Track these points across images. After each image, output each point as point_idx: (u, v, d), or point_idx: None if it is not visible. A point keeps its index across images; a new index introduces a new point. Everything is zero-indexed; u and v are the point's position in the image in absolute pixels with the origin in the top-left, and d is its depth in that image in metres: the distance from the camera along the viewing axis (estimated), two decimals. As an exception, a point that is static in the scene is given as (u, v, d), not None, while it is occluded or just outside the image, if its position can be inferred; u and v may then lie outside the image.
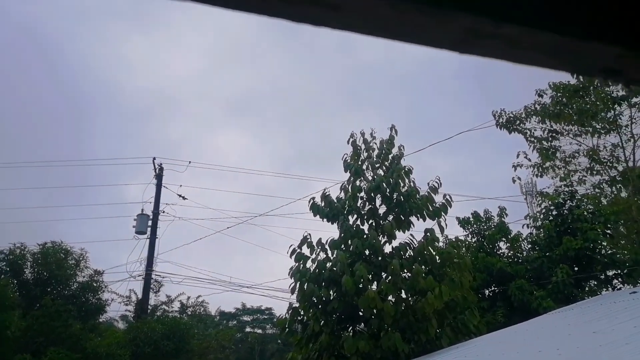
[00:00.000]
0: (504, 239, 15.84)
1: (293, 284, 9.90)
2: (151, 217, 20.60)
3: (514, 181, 17.17)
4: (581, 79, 15.41)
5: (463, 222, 16.39)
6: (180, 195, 21.52)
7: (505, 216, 16.35)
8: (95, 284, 17.10)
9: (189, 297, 23.56)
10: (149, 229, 20.39)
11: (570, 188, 15.51)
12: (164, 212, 20.98)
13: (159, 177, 21.42)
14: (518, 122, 16.71)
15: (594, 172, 16.80)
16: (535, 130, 16.76)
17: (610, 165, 16.66)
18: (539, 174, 17.03)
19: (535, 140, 16.71)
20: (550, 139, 16.72)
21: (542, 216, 15.60)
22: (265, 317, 38.68)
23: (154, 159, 21.58)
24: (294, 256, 10.16)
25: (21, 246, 16.68)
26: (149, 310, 19.56)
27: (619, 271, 13.62)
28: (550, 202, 15.24)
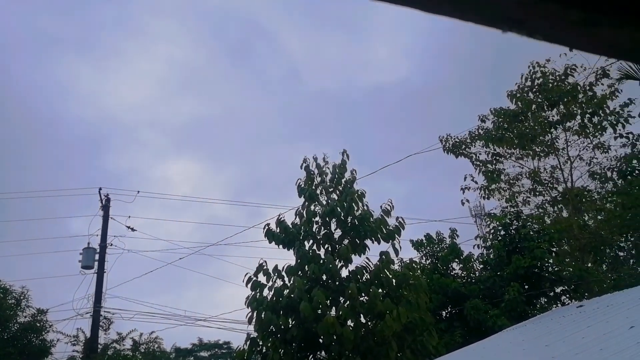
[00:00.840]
0: (456, 260, 16.24)
1: (250, 314, 9.71)
2: (98, 250, 19.74)
3: (462, 203, 17.79)
4: (519, 105, 16.37)
5: (417, 245, 16.70)
6: (129, 227, 20.79)
7: (456, 237, 16.81)
8: (38, 324, 16.06)
9: (141, 334, 22.47)
10: (96, 263, 19.50)
11: (515, 209, 16.21)
12: (111, 244, 20.16)
13: (105, 208, 20.64)
14: (463, 146, 17.42)
15: (537, 193, 17.67)
16: (480, 154, 17.52)
17: (551, 186, 17.58)
18: (486, 196, 17.74)
19: (481, 164, 17.44)
20: (494, 162, 17.51)
21: (491, 236, 16.16)
22: (224, 351, 37.40)
23: (100, 189, 20.84)
24: (250, 284, 10.00)
25: (-46, 287, 15.54)
26: (99, 350, 18.49)
27: (566, 287, 14.23)
28: (497, 223, 15.83)
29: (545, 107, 16.24)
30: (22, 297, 16.33)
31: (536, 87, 16.33)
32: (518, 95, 16.50)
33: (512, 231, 15.21)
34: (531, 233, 14.81)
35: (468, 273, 16.12)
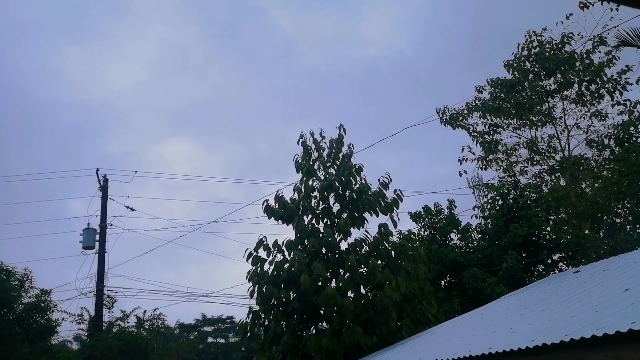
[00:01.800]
0: (454, 231, 16.37)
1: (252, 288, 9.84)
2: (98, 230, 19.84)
3: (460, 175, 17.82)
4: (516, 75, 16.26)
5: (415, 216, 16.81)
6: (128, 207, 20.85)
7: (454, 208, 16.91)
8: (42, 304, 16.24)
9: (145, 311, 22.78)
10: (96, 243, 19.63)
11: (513, 178, 16.25)
12: (111, 225, 20.26)
13: (103, 188, 20.65)
14: (461, 117, 17.35)
15: (534, 163, 17.71)
16: (477, 125, 17.47)
17: (549, 155, 17.60)
18: (484, 166, 17.78)
19: (478, 135, 17.41)
20: (491, 132, 17.47)
21: (488, 206, 16.24)
22: (227, 325, 37.99)
23: (97, 170, 20.83)
24: (250, 259, 10.11)
25: (-43, 270, 15.65)
26: (103, 328, 18.78)
27: (563, 254, 14.39)
28: (495, 193, 15.89)
29: (542, 76, 16.12)
30: (25, 279, 16.48)
31: (533, 56, 16.17)
32: (515, 64, 16.35)
33: (510, 201, 15.29)
34: (529, 202, 14.89)
35: (466, 243, 16.27)
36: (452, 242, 16.35)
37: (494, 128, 17.46)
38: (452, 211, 16.83)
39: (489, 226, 15.82)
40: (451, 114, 17.37)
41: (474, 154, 17.55)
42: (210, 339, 38.03)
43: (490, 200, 16.26)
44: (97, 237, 19.72)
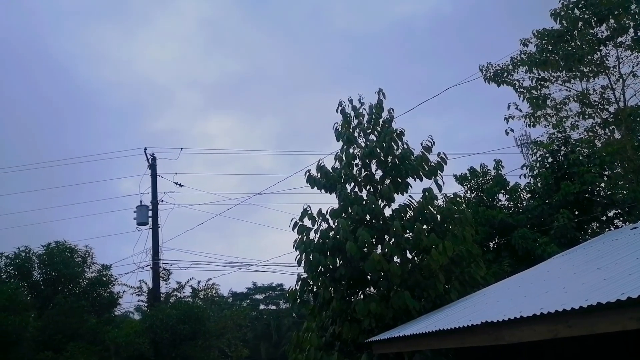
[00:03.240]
0: (502, 191, 15.98)
1: (299, 256, 10.00)
2: (150, 207, 20.65)
3: (507, 133, 17.21)
4: (564, 24, 15.30)
5: (460, 179, 16.49)
6: (176, 183, 21.54)
7: (501, 169, 16.45)
8: (104, 279, 17.27)
9: (199, 282, 23.83)
10: (149, 219, 20.47)
11: (563, 134, 15.56)
12: (162, 201, 21.04)
13: (152, 167, 21.37)
14: (505, 74, 16.63)
15: (586, 116, 16.85)
16: (523, 80, 16.72)
17: (602, 107, 16.69)
18: (532, 123, 17.07)
19: (525, 91, 16.68)
20: (539, 87, 16.69)
21: (538, 165, 15.69)
22: (277, 292, 39.23)
23: (145, 149, 21.52)
24: (296, 229, 10.24)
25: (26, 249, 16.76)
26: (161, 298, 19.80)
27: (619, 210, 13.80)
28: (544, 150, 15.32)
29: (593, 23, 15.12)
30: (87, 255, 17.51)
31: (583, 2, 15.14)
32: (562, 13, 15.38)
33: (560, 157, 14.71)
34: (581, 158, 14.28)
35: (515, 203, 15.87)
36: (500, 203, 15.99)
37: (542, 82, 16.66)
38: (499, 171, 16.38)
39: (539, 185, 15.34)
40: (495, 71, 16.67)
41: (520, 111, 16.87)
42: (262, 306, 39.45)
43: (539, 158, 15.69)
44: (150, 213, 20.56)
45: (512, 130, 17.30)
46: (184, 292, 22.80)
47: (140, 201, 20.75)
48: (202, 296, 23.04)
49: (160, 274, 19.86)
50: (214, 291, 24.00)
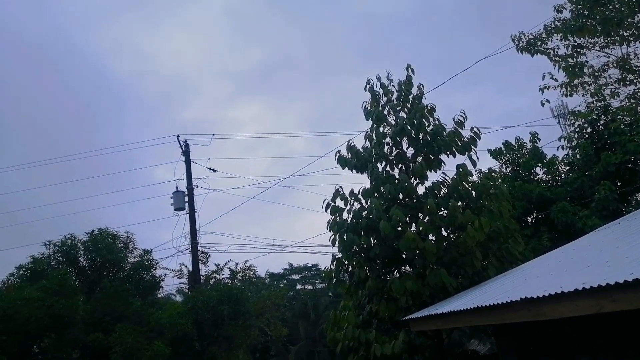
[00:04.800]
0: (539, 165, 15.56)
1: (333, 236, 10.09)
2: (186, 193, 21.13)
3: (542, 104, 16.61)
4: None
5: (495, 153, 16.14)
6: (210, 168, 21.93)
7: (537, 141, 16.00)
8: (146, 263, 17.88)
9: (237, 264, 24.38)
10: (186, 204, 20.97)
11: (602, 103, 14.96)
12: (197, 186, 21.48)
13: (186, 153, 21.80)
14: (539, 42, 15.99)
15: (627, 83, 16.08)
16: (558, 48, 16.03)
17: (644, 72, 15.89)
18: (568, 93, 16.41)
19: (560, 59, 16.01)
20: (575, 55, 15.99)
21: (576, 135, 15.18)
22: (313, 273, 39.74)
23: (178, 136, 21.93)
24: (329, 210, 10.31)
25: (71, 237, 17.49)
26: (201, 281, 20.39)
27: (664, 180, 13.25)
28: (583, 120, 14.78)
29: (633, -17, 14.32)
30: (128, 241, 18.12)
31: (621, -39, 14.34)
32: (600, -26, 14.62)
33: (600, 127, 14.18)
34: (622, 126, 13.73)
35: (553, 176, 15.44)
36: (537, 176, 15.60)
37: (578, 49, 15.96)
38: (536, 144, 15.94)
39: (578, 156, 14.87)
40: (528, 40, 16.06)
41: (556, 80, 16.23)
42: (298, 286, 40.05)
43: (577, 129, 15.18)
44: (186, 199, 21.05)
45: (547, 101, 16.69)
46: (222, 274, 23.41)
47: (176, 187, 21.28)
48: (240, 277, 23.58)
49: (199, 257, 20.43)
50: (251, 272, 24.52)
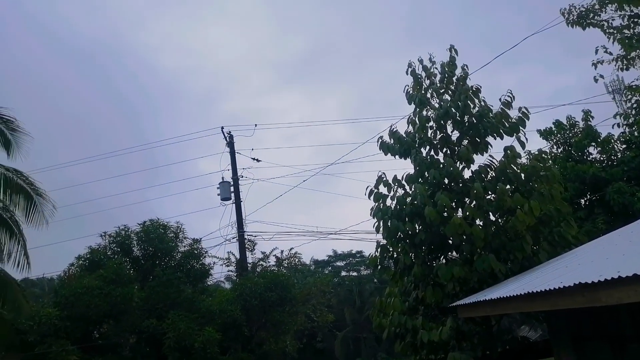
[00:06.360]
0: (593, 144, 14.85)
1: (377, 223, 10.02)
2: (232, 183, 21.58)
3: (596, 80, 15.73)
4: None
5: (545, 134, 15.52)
6: (254, 159, 22.27)
7: (591, 119, 15.24)
8: (195, 252, 18.46)
9: (282, 251, 24.79)
10: (232, 194, 21.43)
11: (663, 75, 14.04)
12: (242, 176, 21.90)
13: (230, 144, 22.21)
14: (592, 14, 15.11)
15: (690, 53, 14.98)
16: (613, 20, 15.09)
17: None
18: (624, 66, 15.45)
19: (615, 31, 15.08)
20: (632, 25, 15.02)
21: (633, 112, 14.34)
22: (358, 259, 39.85)
23: (222, 128, 22.35)
24: (372, 196, 10.23)
25: (125, 228, 18.28)
26: (248, 268, 20.87)
27: None
28: (641, 95, 13.92)
29: (697, -56, 13.25)
30: (178, 231, 18.76)
31: None
32: (659, -63, 13.61)
33: (660, 102, 13.32)
34: (685, 101, 12.84)
35: (608, 156, 14.70)
36: (591, 156, 14.89)
37: (635, 20, 14.97)
38: (589, 123, 15.19)
39: (636, 134, 14.07)
40: (579, 12, 15.22)
41: (611, 54, 15.28)
42: (343, 273, 40.28)
43: (635, 105, 14.33)
44: (232, 189, 21.51)
45: (601, 76, 15.77)
46: (268, 262, 23.89)
47: (222, 178, 21.78)
48: (286, 265, 23.98)
49: (246, 245, 20.89)
50: (296, 260, 24.91)
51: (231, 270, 23.66)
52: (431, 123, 10.52)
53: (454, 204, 9.54)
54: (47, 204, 12.61)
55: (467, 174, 10.07)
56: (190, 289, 17.08)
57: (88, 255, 17.55)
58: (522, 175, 9.66)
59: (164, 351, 14.64)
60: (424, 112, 10.55)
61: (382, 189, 10.24)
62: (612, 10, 14.99)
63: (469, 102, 10.20)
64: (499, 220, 9.52)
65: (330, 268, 40.74)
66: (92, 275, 15.75)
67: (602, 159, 14.73)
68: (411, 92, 10.92)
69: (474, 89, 10.46)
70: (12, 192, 12.05)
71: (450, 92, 10.75)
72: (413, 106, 10.76)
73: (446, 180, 9.90)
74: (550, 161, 13.61)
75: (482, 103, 10.34)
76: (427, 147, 10.51)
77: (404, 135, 10.61)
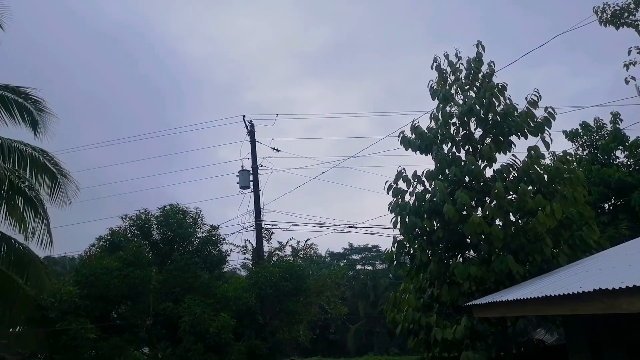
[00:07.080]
0: (620, 147, 14.48)
1: (394, 218, 9.97)
2: (251, 172, 21.70)
3: (627, 82, 15.33)
4: None
5: (571, 135, 15.21)
6: (274, 148, 22.31)
7: (619, 122, 14.86)
8: (213, 238, 18.64)
9: (298, 242, 24.89)
10: (251, 183, 21.55)
11: (699, 79, 13.55)
12: (262, 166, 21.97)
13: (251, 133, 22.28)
14: (626, 14, 14.67)
15: None
16: (649, 19, 14.63)
17: None
18: (659, 69, 15.02)
19: (651, 31, 14.62)
20: (669, 26, 14.54)
21: (665, 116, 13.93)
22: (373, 254, 39.86)
23: (244, 116, 22.42)
24: (391, 191, 10.18)
25: (145, 211, 18.56)
26: (264, 257, 21.02)
27: None
28: (674, 99, 13.50)
29: None
30: (197, 217, 18.95)
31: None
32: None
33: (694, 107, 12.90)
34: None
35: (635, 160, 14.33)
36: (618, 160, 14.54)
37: (672, 21, 14.50)
38: (617, 125, 14.82)
39: (666, 139, 13.68)
40: (613, 12, 14.79)
41: (644, 55, 14.88)
42: (358, 266, 40.36)
43: (666, 109, 13.92)
44: (251, 177, 21.63)
45: (633, 78, 15.36)
46: (284, 252, 24.00)
47: (242, 166, 21.89)
48: (301, 255, 24.07)
49: (263, 234, 21.01)
50: (312, 251, 24.95)
51: (247, 259, 23.88)
52: (454, 119, 10.40)
53: (473, 202, 9.44)
54: (70, 184, 12.89)
55: (488, 172, 9.97)
56: (207, 275, 17.27)
57: (109, 237, 17.88)
58: (545, 176, 9.49)
59: (179, 334, 14.88)
60: (448, 108, 10.44)
61: (402, 185, 10.18)
62: (648, 10, 14.53)
63: (494, 99, 10.04)
64: (519, 221, 9.39)
65: (345, 261, 40.85)
66: (111, 256, 16.05)
67: (629, 163, 14.37)
68: (435, 87, 10.80)
69: (500, 86, 10.29)
70: (37, 171, 12.33)
71: (475, 89, 10.60)
72: (436, 102, 10.65)
73: (467, 178, 9.80)
74: (574, 163, 13.35)
75: (508, 101, 10.18)
76: (449, 144, 10.41)
77: (426, 131, 10.52)
